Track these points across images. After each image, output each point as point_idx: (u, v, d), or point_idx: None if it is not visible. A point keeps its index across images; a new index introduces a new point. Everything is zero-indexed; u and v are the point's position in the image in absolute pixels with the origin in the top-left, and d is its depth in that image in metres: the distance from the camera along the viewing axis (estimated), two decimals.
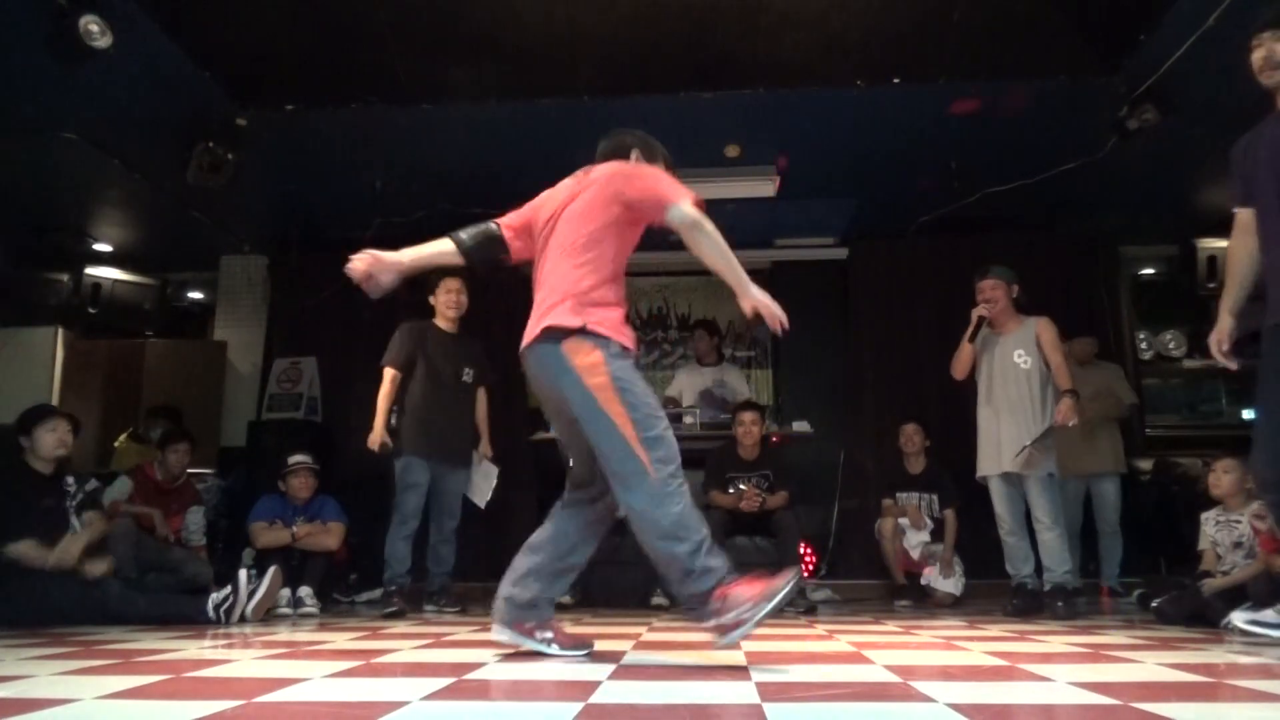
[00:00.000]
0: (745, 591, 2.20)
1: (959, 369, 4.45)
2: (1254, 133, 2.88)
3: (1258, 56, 2.78)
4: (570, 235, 2.39)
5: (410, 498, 4.36)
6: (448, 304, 4.54)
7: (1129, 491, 5.33)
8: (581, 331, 2.26)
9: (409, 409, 4.46)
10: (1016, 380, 4.23)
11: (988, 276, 4.38)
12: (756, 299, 2.32)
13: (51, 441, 3.79)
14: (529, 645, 2.40)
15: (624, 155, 2.62)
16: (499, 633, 2.43)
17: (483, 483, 4.67)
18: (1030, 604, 4.14)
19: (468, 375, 4.60)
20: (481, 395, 4.72)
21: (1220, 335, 2.90)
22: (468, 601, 4.69)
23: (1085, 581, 5.01)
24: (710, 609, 2.19)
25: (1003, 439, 4.21)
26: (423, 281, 4.44)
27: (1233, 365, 2.89)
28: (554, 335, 2.28)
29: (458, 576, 4.62)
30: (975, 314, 4.35)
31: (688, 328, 6.81)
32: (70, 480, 3.93)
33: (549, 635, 2.41)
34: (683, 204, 2.29)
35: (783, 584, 2.18)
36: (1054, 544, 4.09)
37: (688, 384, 5.93)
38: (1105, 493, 5.14)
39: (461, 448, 4.56)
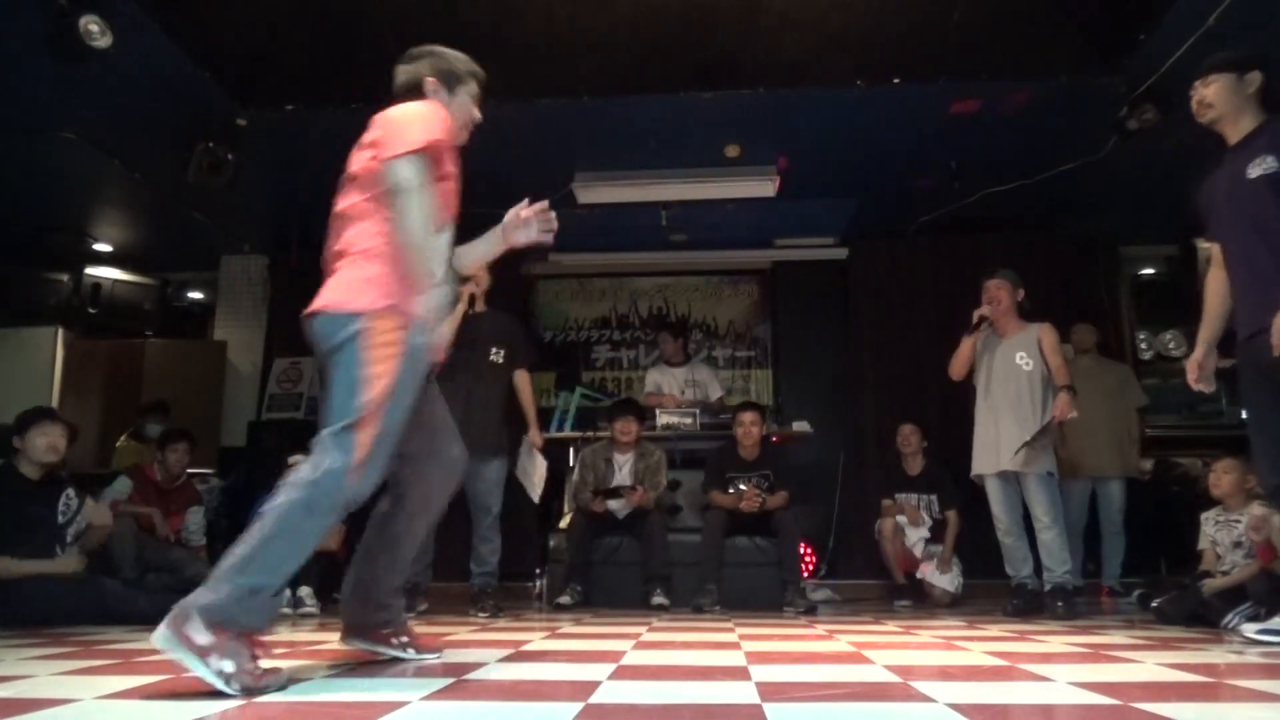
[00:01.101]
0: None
1: (957, 368, 4.45)
2: (1215, 170, 3.02)
3: (1193, 103, 3.02)
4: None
5: None
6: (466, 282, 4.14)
7: (1127, 491, 5.32)
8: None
9: None
10: (1017, 381, 4.24)
11: (994, 276, 4.41)
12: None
13: (42, 445, 3.73)
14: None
15: (418, 89, 2.39)
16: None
17: (532, 473, 4.37)
18: (1030, 604, 4.14)
19: (496, 355, 4.25)
20: (522, 378, 4.34)
21: (1194, 364, 3.11)
22: (502, 605, 4.44)
23: (1085, 581, 5.01)
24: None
25: (1001, 438, 4.21)
26: None
27: (1209, 389, 3.11)
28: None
29: (455, 576, 4.49)
30: (977, 313, 4.36)
31: (687, 328, 6.83)
32: (71, 495, 3.88)
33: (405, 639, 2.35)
34: (404, 162, 2.04)
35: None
36: (1053, 544, 4.09)
37: (661, 384, 5.96)
38: (1111, 494, 5.13)
39: (490, 437, 4.19)
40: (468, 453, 4.18)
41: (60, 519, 3.81)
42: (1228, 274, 2.97)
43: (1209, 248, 3.13)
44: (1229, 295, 2.98)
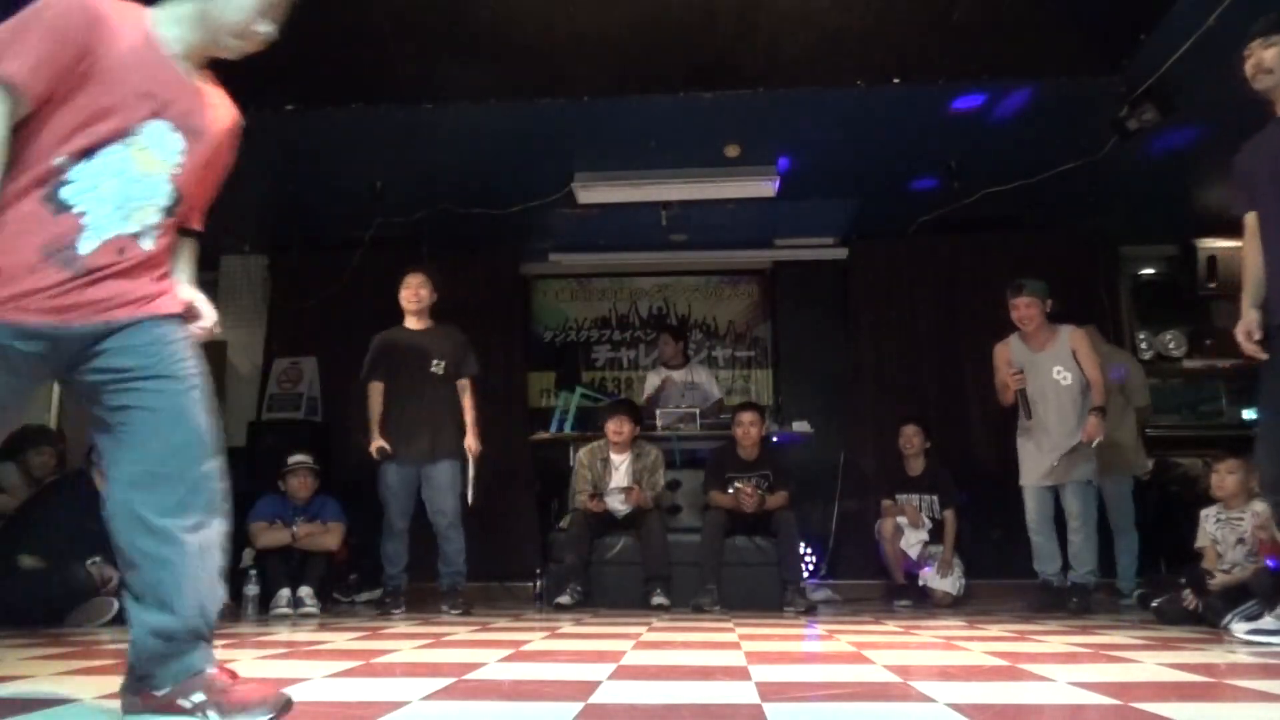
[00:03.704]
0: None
1: (1005, 402, 4.53)
2: (1257, 139, 2.93)
3: (1249, 65, 2.85)
4: None
5: (390, 504, 4.39)
6: (406, 300, 4.52)
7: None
8: None
9: (386, 416, 4.48)
10: (1058, 396, 4.32)
11: (1022, 294, 4.41)
12: None
13: None
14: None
15: None
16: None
17: (462, 479, 4.52)
18: (1054, 600, 4.27)
19: (437, 366, 4.50)
20: (465, 388, 4.58)
21: (1248, 326, 2.87)
22: (472, 603, 4.61)
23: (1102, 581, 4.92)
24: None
25: (1044, 454, 4.32)
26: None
27: (1263, 355, 2.83)
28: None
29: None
30: (1014, 379, 4.38)
31: (687, 328, 6.82)
32: None
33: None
34: None
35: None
36: (1082, 546, 4.24)
37: (659, 385, 5.97)
38: (1109, 493, 5.08)
39: (439, 442, 4.43)
40: (422, 459, 4.35)
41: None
42: (1264, 253, 2.86)
43: (1249, 224, 2.95)
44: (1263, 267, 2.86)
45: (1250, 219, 2.97)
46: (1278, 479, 2.79)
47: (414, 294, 4.52)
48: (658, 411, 5.48)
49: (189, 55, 1.69)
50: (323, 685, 1.90)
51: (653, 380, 6.06)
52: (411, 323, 4.57)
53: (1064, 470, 4.24)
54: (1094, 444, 4.17)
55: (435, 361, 4.51)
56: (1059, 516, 4.41)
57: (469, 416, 4.55)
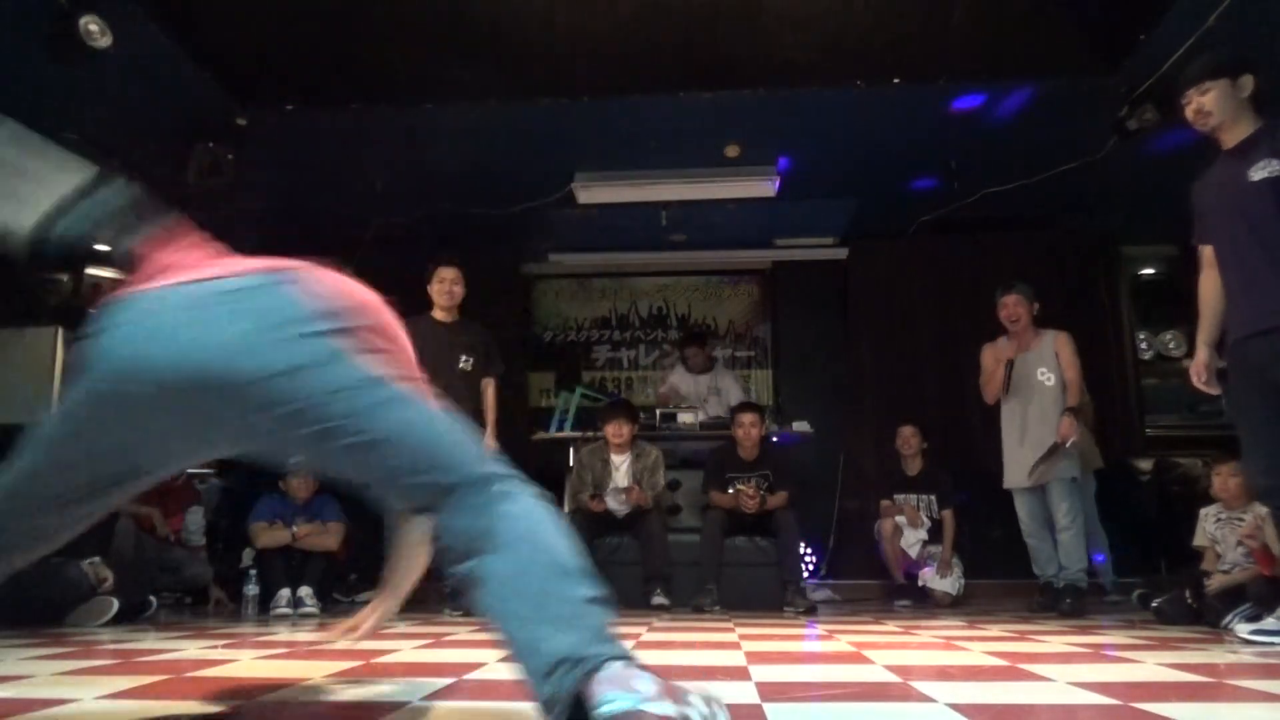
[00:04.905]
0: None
1: (990, 396, 4.59)
2: (1209, 172, 3.05)
3: (1190, 111, 2.98)
4: None
5: None
6: (440, 293, 4.39)
7: (1127, 491, 5.30)
8: None
9: None
10: (1041, 397, 4.38)
11: (1011, 292, 4.51)
12: None
13: None
14: None
15: None
16: None
17: None
18: (1054, 601, 4.28)
19: (465, 363, 4.41)
20: (488, 386, 4.49)
21: (1198, 367, 3.06)
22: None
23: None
24: None
25: (1027, 454, 4.36)
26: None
27: (1215, 391, 3.05)
28: None
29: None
30: (1006, 356, 4.46)
31: (687, 328, 6.82)
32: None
33: None
34: None
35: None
36: (1070, 544, 4.25)
37: (679, 386, 5.98)
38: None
39: None
40: None
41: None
42: (1221, 276, 2.99)
43: (1206, 256, 3.13)
44: (1222, 296, 3.00)
45: (1207, 252, 3.09)
46: (1272, 487, 2.83)
47: (448, 289, 4.39)
48: (658, 411, 5.48)
49: None
50: (323, 685, 1.90)
51: (674, 379, 6.06)
52: (440, 315, 4.42)
53: (1047, 470, 4.31)
54: (1069, 443, 4.22)
55: (464, 358, 4.40)
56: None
57: (490, 416, 4.43)
